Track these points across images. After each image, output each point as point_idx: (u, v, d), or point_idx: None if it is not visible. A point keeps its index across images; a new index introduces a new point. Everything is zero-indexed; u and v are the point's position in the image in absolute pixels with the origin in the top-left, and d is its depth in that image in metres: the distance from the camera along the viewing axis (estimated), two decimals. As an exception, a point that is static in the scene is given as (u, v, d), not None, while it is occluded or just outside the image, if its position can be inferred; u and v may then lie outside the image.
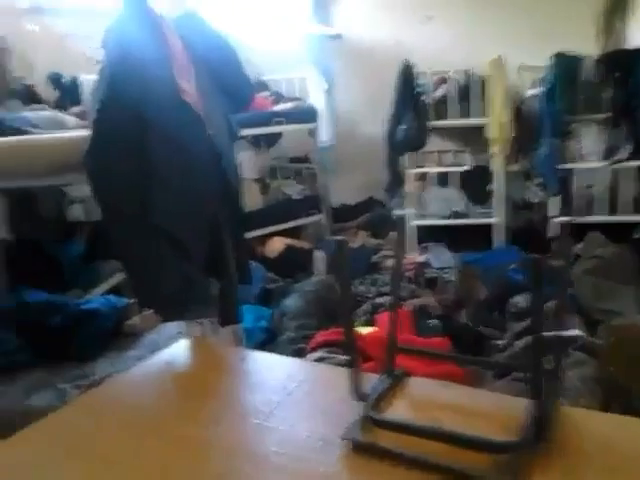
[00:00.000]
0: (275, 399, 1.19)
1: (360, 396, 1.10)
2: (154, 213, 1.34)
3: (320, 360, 2.02)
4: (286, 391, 1.21)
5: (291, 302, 2.80)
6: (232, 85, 1.80)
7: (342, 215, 4.69)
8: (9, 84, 2.91)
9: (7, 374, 1.85)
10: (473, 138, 4.22)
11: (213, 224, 1.50)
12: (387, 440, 0.98)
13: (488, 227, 4.02)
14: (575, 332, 2.30)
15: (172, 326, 1.80)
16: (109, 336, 2.04)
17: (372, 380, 1.23)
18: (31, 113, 2.34)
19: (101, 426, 1.07)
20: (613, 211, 3.85)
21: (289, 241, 3.79)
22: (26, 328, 1.91)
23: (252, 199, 4.06)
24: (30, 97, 3.03)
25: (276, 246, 3.73)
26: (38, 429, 1.10)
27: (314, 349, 2.18)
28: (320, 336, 2.26)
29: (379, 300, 2.84)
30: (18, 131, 1.65)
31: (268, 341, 2.60)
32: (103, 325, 2.01)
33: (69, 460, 0.95)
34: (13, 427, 1.11)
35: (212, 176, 1.49)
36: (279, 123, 4.13)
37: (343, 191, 4.85)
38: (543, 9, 4.45)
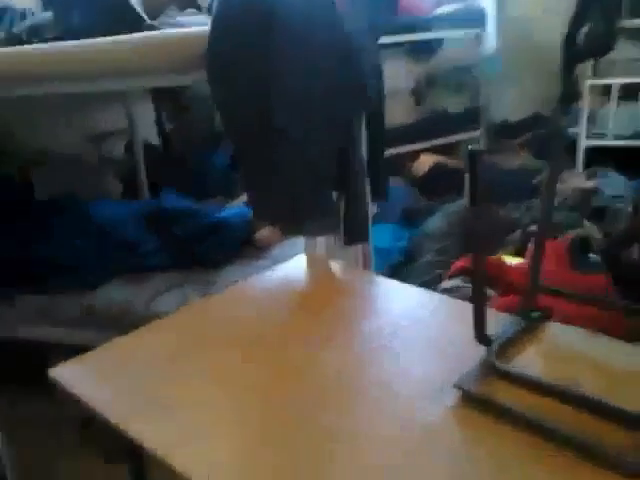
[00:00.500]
0: (390, 330, 1.09)
1: (483, 339, 0.95)
2: (278, 116, 1.24)
3: (454, 290, 1.86)
4: (407, 321, 1.10)
5: (434, 223, 2.62)
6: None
7: (504, 132, 4.28)
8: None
9: (139, 276, 1.94)
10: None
11: (344, 133, 1.36)
12: (508, 395, 0.83)
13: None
14: None
15: (302, 240, 1.74)
16: (238, 246, 2.05)
17: (507, 320, 1.07)
18: (184, 18, 2.33)
19: (207, 333, 1.07)
20: None
21: (439, 159, 3.54)
22: (162, 232, 1.98)
23: (405, 112, 3.83)
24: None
25: (424, 164, 3.50)
26: (150, 329, 1.11)
27: (453, 275, 2.02)
28: (461, 262, 2.08)
29: (533, 228, 2.55)
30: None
31: (406, 263, 2.47)
32: (232, 235, 2.02)
33: (174, 362, 0.97)
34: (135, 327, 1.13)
35: (346, 81, 1.33)
36: (441, 28, 3.76)
37: (507, 105, 4.40)
38: None
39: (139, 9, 1.64)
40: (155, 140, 3.08)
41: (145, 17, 1.64)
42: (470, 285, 1.89)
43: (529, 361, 0.90)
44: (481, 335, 0.92)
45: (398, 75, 4.16)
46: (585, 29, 3.08)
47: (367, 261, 2.02)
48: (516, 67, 4.27)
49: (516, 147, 3.98)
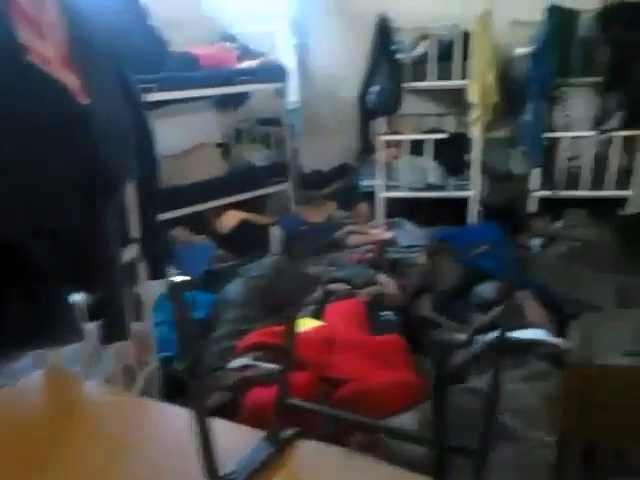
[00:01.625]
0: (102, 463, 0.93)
1: (215, 477, 0.84)
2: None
3: (243, 369, 1.76)
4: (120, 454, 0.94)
5: (233, 288, 2.52)
6: (137, 45, 1.48)
7: (314, 182, 4.37)
8: None
9: None
10: (457, 101, 3.87)
11: (76, 218, 1.19)
12: None
13: (465, 201, 3.72)
14: (540, 334, 2.04)
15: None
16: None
17: (254, 445, 0.96)
18: None
19: None
20: (599, 186, 3.54)
21: (244, 215, 3.48)
22: None
23: (211, 166, 3.74)
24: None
25: (229, 220, 3.42)
26: None
27: (243, 351, 1.92)
28: (253, 336, 1.99)
29: (333, 286, 2.56)
30: None
31: (205, 334, 2.33)
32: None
33: None
34: None
35: (75, 152, 1.17)
36: (244, 82, 3.77)
37: (317, 156, 4.51)
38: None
39: None
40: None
41: None
42: (259, 364, 1.80)
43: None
44: (212, 473, 0.81)
45: (204, 128, 4.09)
46: (376, 88, 3.21)
47: (144, 350, 1.85)
48: (321, 119, 4.41)
49: (322, 199, 4.08)
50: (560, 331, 2.25)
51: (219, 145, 4.07)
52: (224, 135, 4.26)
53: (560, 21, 3.29)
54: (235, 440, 0.92)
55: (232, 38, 4.28)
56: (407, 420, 1.74)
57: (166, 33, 3.72)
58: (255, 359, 1.81)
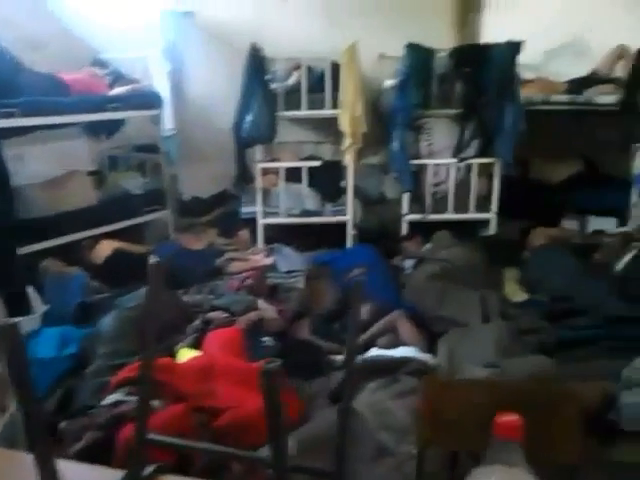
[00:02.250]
0: None
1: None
2: None
3: (115, 405, 1.70)
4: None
5: (107, 321, 2.42)
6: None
7: (193, 209, 4.32)
8: None
9: None
10: (333, 130, 4.02)
11: None
12: None
13: (344, 226, 3.85)
14: (410, 351, 2.15)
15: None
16: None
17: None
18: None
19: None
20: (463, 209, 3.82)
21: (119, 244, 3.37)
22: None
23: (82, 194, 3.58)
24: None
25: (103, 250, 3.29)
26: None
27: (116, 387, 1.85)
28: (126, 370, 1.93)
29: (212, 315, 2.54)
30: None
31: (76, 371, 2.21)
32: None
33: None
34: None
35: None
36: (117, 109, 3.68)
37: (196, 183, 4.47)
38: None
39: None
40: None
41: None
42: (132, 399, 1.74)
43: None
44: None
45: (75, 156, 3.91)
46: (250, 117, 3.24)
47: (3, 393, 1.73)
48: (199, 146, 4.38)
49: (202, 226, 4.05)
50: (430, 347, 2.40)
51: (92, 173, 3.91)
52: (97, 162, 4.11)
53: (419, 58, 3.55)
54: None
55: (103, 63, 4.17)
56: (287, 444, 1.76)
57: (29, 54, 3.56)
58: (128, 394, 1.75)
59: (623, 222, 3.73)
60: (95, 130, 4.07)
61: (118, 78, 4.07)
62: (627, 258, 3.28)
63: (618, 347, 2.46)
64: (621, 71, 3.71)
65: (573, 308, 2.94)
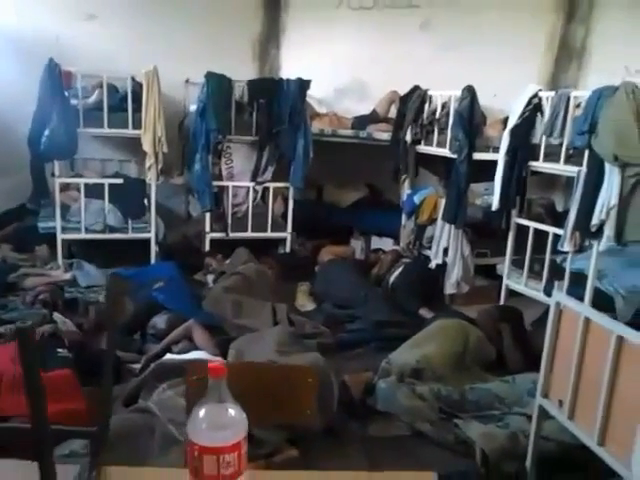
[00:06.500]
0: None
1: None
2: None
3: None
4: None
5: None
6: None
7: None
8: None
9: None
10: (138, 149, 4.07)
11: None
12: None
13: (148, 242, 3.93)
14: (201, 355, 2.36)
15: None
16: None
17: None
18: None
19: None
20: (262, 228, 4.13)
21: None
22: None
23: None
24: None
25: None
26: None
27: None
28: None
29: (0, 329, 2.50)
30: None
31: None
32: None
33: None
34: None
35: None
36: None
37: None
38: (212, 24, 4.54)
39: None
40: None
41: None
42: None
43: None
44: None
45: None
46: (47, 132, 3.22)
47: None
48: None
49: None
50: (226, 351, 2.63)
51: None
52: None
53: (218, 86, 3.79)
54: None
55: None
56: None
57: None
58: None
59: (398, 241, 4.34)
60: None
61: None
62: (397, 272, 3.85)
63: (383, 346, 2.95)
64: (394, 112, 4.34)
65: (351, 315, 3.42)
